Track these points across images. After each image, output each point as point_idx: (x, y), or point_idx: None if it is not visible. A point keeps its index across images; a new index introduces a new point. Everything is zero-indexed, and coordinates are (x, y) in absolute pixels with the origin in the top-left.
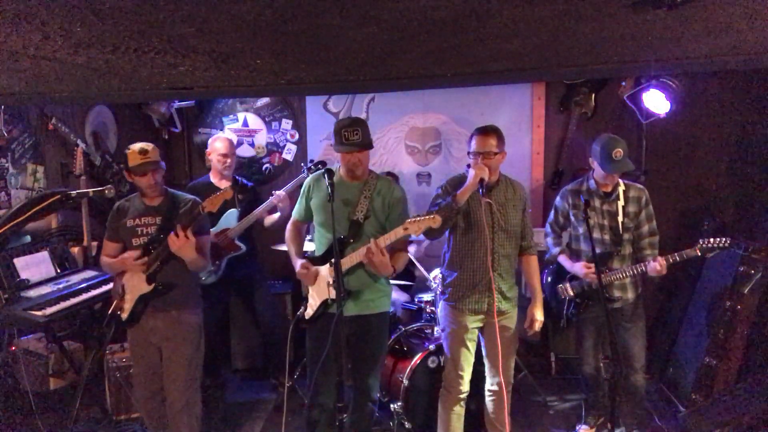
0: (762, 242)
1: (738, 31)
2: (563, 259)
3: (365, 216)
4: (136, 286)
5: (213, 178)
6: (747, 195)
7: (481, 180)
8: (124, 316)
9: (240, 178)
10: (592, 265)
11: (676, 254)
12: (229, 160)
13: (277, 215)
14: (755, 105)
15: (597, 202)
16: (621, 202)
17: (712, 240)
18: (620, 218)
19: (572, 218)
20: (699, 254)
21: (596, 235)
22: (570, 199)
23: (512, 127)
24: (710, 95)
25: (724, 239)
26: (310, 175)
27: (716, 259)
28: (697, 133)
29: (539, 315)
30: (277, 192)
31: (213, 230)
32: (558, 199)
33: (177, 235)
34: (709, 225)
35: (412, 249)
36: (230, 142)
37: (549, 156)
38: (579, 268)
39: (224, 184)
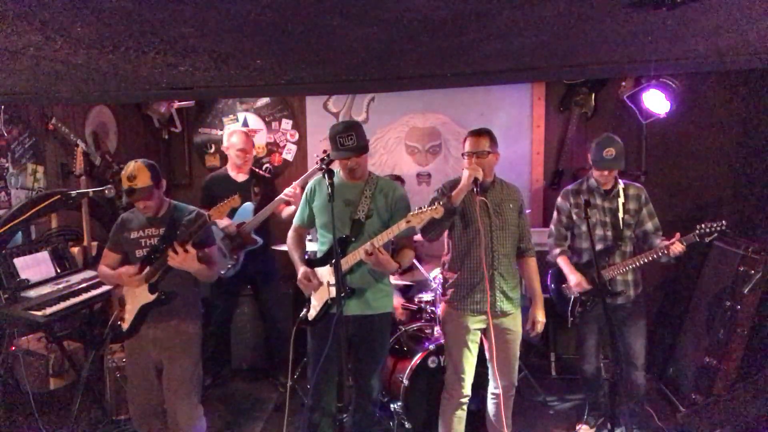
0: (762, 242)
1: (738, 31)
2: (561, 262)
3: (367, 215)
4: (137, 296)
5: (231, 171)
6: (747, 195)
7: (475, 179)
8: (125, 326)
9: (258, 170)
10: (586, 282)
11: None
12: (248, 155)
13: (291, 208)
14: (755, 105)
15: (598, 200)
16: (621, 199)
17: (709, 224)
18: (621, 214)
19: (574, 217)
20: (697, 240)
21: (598, 231)
22: (571, 198)
23: (512, 127)
24: (710, 95)
25: (720, 222)
26: (312, 180)
27: (716, 259)
28: (697, 133)
29: (540, 316)
30: (287, 189)
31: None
32: (560, 199)
33: (176, 252)
34: None
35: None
36: (247, 135)
37: (549, 156)
38: (572, 279)
39: (241, 177)
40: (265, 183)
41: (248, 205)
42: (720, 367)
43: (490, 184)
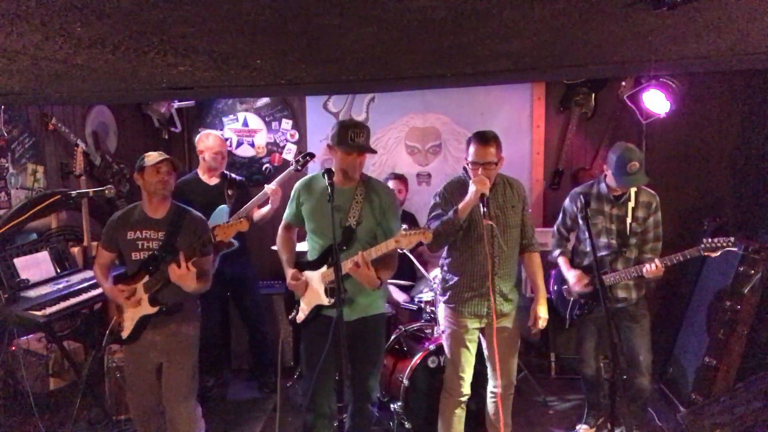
0: (762, 242)
1: (738, 31)
2: (561, 263)
3: (357, 222)
4: (137, 307)
5: (202, 175)
6: (747, 195)
7: (482, 195)
8: (125, 334)
9: (229, 173)
10: (585, 276)
11: (679, 254)
12: (224, 159)
13: (265, 209)
14: (756, 105)
15: (607, 207)
16: (631, 204)
17: (715, 240)
18: (629, 221)
19: (580, 221)
20: (702, 254)
21: (603, 239)
22: (579, 201)
23: (512, 127)
24: (710, 95)
25: (728, 239)
26: (300, 180)
27: (716, 259)
28: (697, 133)
29: (543, 312)
30: (268, 186)
31: None
32: (567, 201)
33: (179, 265)
34: (709, 225)
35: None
36: (221, 138)
37: (549, 156)
38: (572, 277)
39: (214, 181)
40: (238, 186)
41: (223, 208)
42: (720, 367)
43: (492, 186)
